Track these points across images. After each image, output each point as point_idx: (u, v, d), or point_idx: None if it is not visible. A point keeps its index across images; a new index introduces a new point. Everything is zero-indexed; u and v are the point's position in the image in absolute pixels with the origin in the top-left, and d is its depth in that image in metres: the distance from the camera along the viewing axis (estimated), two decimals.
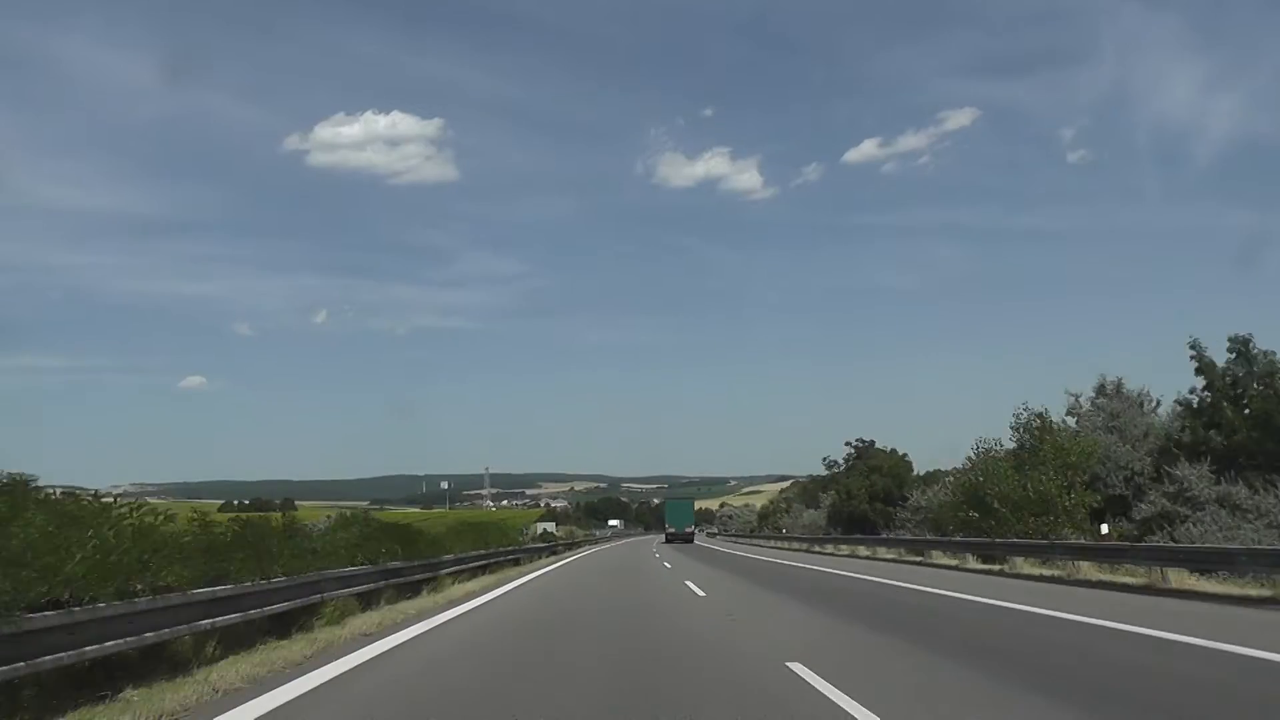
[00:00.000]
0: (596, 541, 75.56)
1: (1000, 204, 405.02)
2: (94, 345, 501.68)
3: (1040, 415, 29.83)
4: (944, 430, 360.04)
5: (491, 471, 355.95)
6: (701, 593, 18.12)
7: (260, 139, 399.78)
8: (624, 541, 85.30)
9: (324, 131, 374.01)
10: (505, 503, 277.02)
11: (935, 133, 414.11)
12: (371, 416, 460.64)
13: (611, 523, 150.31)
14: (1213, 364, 27.75)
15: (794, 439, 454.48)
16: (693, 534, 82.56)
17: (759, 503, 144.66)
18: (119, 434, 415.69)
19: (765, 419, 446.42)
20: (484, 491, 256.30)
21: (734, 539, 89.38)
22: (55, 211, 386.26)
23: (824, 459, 72.92)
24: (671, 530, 77.22)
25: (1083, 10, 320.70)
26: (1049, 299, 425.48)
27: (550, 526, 73.22)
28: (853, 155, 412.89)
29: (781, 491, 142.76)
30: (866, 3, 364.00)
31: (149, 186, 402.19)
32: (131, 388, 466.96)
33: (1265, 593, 14.06)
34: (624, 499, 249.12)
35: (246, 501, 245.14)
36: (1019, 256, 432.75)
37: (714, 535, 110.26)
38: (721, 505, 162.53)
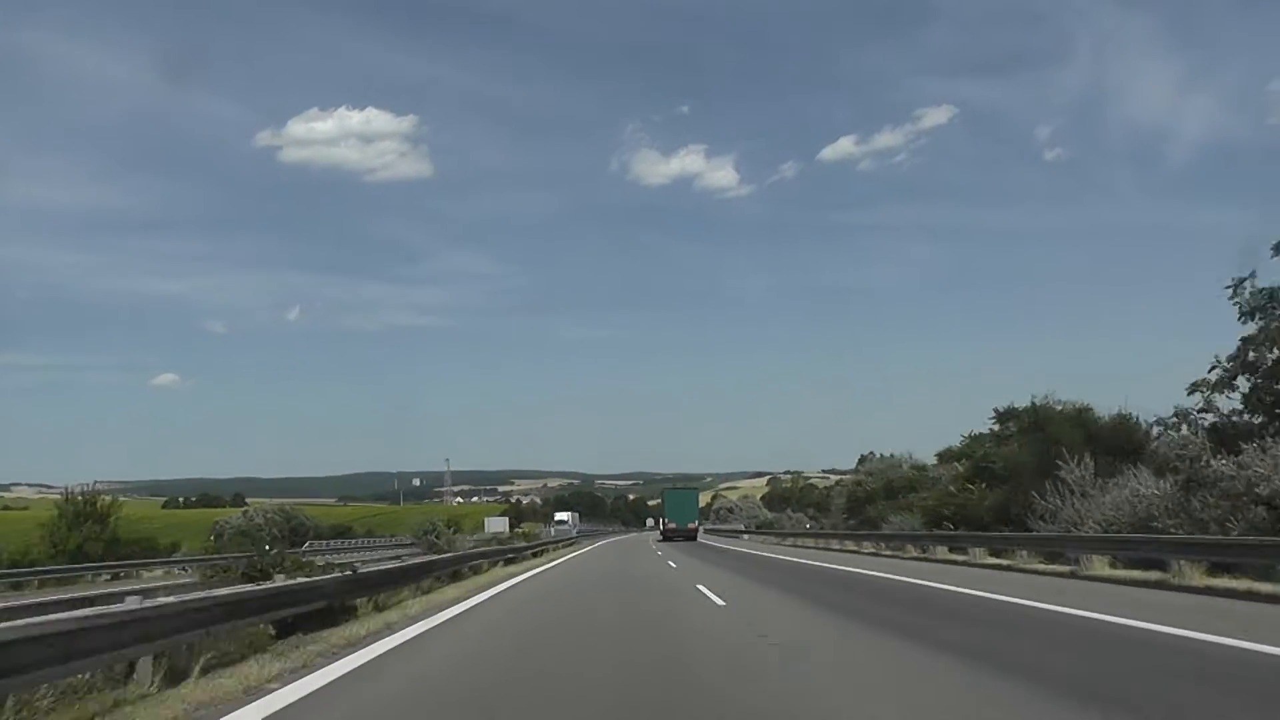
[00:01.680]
0: (543, 550, 42.56)
1: (977, 201, 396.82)
2: (64, 343, 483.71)
3: None
4: (923, 428, 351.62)
5: (464, 469, 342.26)
6: None
7: (232, 135, 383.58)
8: (597, 546, 53.07)
9: (297, 127, 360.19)
10: (475, 499, 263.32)
11: (912, 130, 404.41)
12: (344, 414, 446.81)
13: (560, 517, 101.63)
14: None
15: (770, 436, 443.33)
16: (696, 531, 67.35)
17: (757, 496, 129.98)
18: (89, 431, 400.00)
19: (741, 416, 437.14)
20: (446, 489, 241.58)
21: (786, 540, 55.10)
22: (26, 209, 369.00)
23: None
24: (671, 525, 63.83)
25: (1058, 11, 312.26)
26: (1027, 296, 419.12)
27: (503, 523, 58.42)
28: (829, 153, 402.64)
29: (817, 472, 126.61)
30: (844, 1, 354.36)
31: (120, 183, 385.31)
32: (103, 385, 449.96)
33: None
34: (598, 494, 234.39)
35: (193, 498, 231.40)
36: (996, 254, 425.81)
37: (738, 534, 79.20)
38: (715, 498, 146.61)
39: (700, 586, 17.29)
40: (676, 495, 70.21)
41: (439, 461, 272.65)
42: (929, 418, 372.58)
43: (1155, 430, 24.48)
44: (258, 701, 6.63)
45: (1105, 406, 28.88)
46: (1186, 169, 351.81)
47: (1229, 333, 20.38)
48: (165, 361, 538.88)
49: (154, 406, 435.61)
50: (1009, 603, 12.96)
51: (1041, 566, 19.94)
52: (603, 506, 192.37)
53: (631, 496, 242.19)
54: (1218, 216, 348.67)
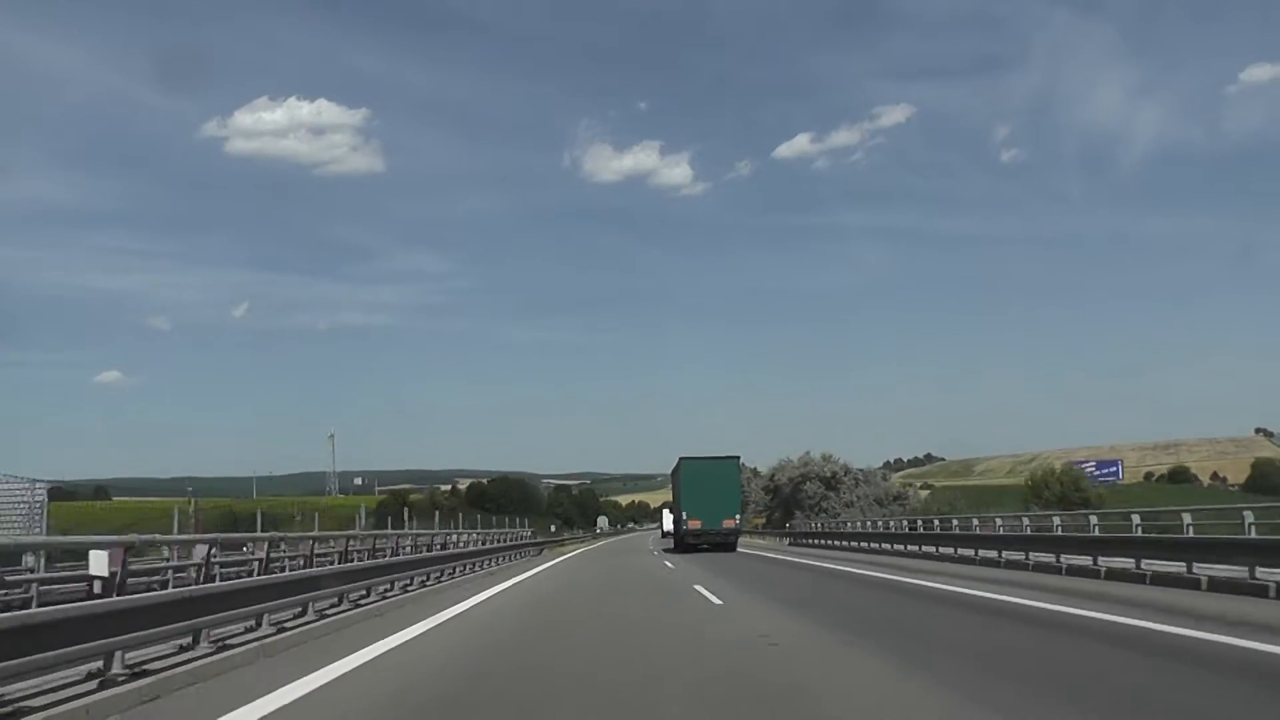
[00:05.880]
0: None
1: (932, 202, 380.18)
2: (3, 339, 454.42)
3: None
4: (876, 433, 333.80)
5: (408, 468, 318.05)
6: None
7: (177, 125, 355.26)
8: None
9: (244, 118, 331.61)
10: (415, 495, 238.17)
11: (869, 128, 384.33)
12: (289, 412, 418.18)
13: None
14: None
15: (720, 436, 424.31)
16: (735, 533, 36.15)
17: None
18: (26, 430, 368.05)
19: (691, 416, 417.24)
20: (331, 478, 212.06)
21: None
22: None
23: None
24: (693, 524, 34.75)
25: (1019, 17, 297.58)
26: (986, 301, 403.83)
27: (99, 562, 32.74)
28: (784, 150, 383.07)
29: None
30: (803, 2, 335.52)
31: (59, 175, 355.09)
32: (43, 383, 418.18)
33: None
34: (529, 484, 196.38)
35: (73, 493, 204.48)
36: (952, 256, 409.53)
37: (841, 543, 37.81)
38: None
39: None
40: (702, 468, 35.64)
41: (385, 461, 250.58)
42: (881, 423, 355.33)
43: None
44: None
45: None
46: (1141, 173, 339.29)
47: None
48: (108, 358, 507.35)
49: (96, 404, 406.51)
50: None
51: None
52: (536, 499, 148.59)
53: (575, 491, 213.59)
54: (1174, 223, 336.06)
